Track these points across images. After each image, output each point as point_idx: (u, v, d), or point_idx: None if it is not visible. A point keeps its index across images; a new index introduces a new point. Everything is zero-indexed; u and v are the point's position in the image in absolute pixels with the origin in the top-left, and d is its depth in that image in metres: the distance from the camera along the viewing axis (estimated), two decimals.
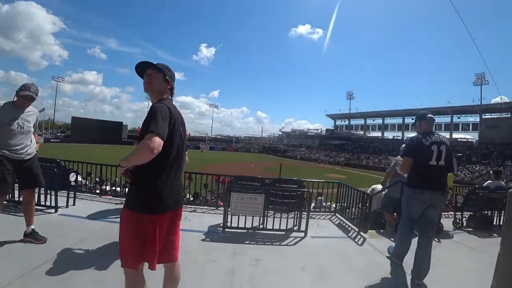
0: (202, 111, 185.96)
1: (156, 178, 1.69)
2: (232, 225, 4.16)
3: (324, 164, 61.97)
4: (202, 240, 3.76)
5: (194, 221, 4.56)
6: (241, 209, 3.99)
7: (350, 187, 5.53)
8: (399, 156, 3.65)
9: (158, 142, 1.51)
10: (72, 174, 4.69)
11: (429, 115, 3.32)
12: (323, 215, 5.74)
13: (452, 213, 5.89)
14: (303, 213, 4.37)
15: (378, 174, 47.31)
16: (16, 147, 3.08)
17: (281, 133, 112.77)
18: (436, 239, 4.50)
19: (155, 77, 1.85)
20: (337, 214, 5.75)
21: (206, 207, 5.59)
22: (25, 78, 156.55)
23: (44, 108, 74.60)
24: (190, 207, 5.40)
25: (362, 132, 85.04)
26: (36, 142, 3.42)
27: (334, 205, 10.35)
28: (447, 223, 5.37)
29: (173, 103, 1.88)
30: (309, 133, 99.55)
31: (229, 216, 4.16)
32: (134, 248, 1.67)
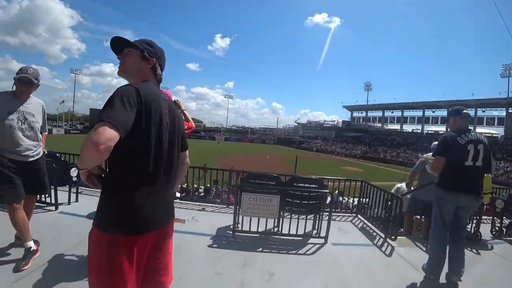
0: (217, 102, 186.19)
1: (133, 186, 1.25)
2: (243, 228, 3.74)
3: (340, 157, 60.83)
4: (209, 246, 3.36)
5: (202, 222, 4.17)
6: (253, 211, 3.55)
7: (374, 187, 5.00)
8: (428, 154, 3.36)
9: (107, 135, 1.04)
10: (73, 169, 4.38)
11: (464, 111, 3.02)
12: (343, 216, 5.24)
13: (488, 218, 5.27)
14: (323, 216, 3.91)
15: (396, 168, 46.14)
16: (17, 147, 2.56)
17: (296, 124, 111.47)
18: (474, 251, 3.96)
19: (129, 56, 1.42)
20: (359, 216, 5.25)
21: (216, 205, 5.20)
22: (46, 71, 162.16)
23: (64, 100, 77.70)
24: (199, 205, 5.03)
25: (380, 125, 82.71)
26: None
27: (351, 200, 9.87)
28: (484, 230, 4.77)
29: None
30: (325, 125, 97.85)
31: (240, 217, 3.75)
32: (106, 281, 1.23)
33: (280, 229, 3.79)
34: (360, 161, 55.30)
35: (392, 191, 5.52)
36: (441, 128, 66.64)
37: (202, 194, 6.66)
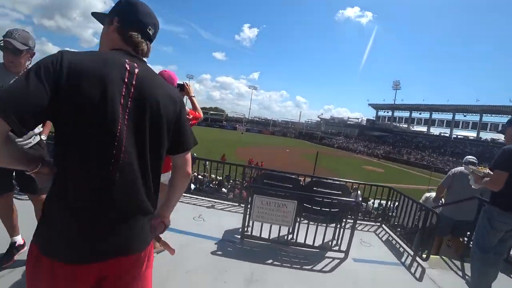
0: (241, 92, 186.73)
1: (57, 194, 0.87)
2: (253, 233, 3.32)
3: (361, 155, 59.22)
4: (213, 252, 2.95)
5: (209, 221, 3.79)
6: (265, 216, 3.12)
7: (405, 196, 4.43)
8: (473, 166, 2.92)
9: None
10: None
11: None
12: (366, 225, 4.71)
13: None
14: (345, 226, 3.42)
15: (420, 171, 44.33)
16: None
17: (319, 119, 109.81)
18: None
19: (102, 31, 1.08)
20: (384, 226, 4.71)
21: (227, 202, 4.80)
22: None
23: None
24: (209, 201, 4.65)
25: (406, 126, 79.64)
26: (43, 126, 2.32)
27: (372, 203, 9.25)
28: None
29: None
30: (348, 122, 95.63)
31: (251, 221, 3.32)
32: None
33: (295, 238, 3.34)
34: (381, 161, 53.61)
35: (421, 200, 4.95)
36: (472, 134, 63.45)
37: (215, 187, 6.29)
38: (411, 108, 76.71)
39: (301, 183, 3.77)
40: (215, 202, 4.66)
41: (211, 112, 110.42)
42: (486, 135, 61.82)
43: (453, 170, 4.40)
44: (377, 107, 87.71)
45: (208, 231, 3.44)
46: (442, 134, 69.65)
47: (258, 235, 3.28)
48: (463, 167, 4.12)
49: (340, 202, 3.33)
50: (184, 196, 4.63)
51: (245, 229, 3.31)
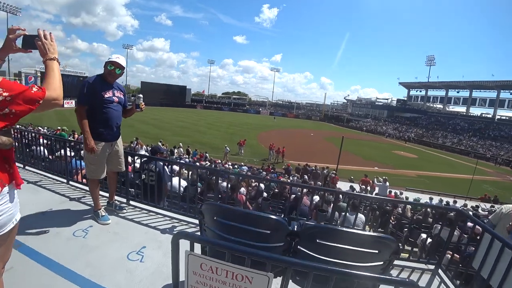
0: (264, 76, 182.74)
1: None
2: None
3: (390, 139, 55.95)
4: None
5: (154, 261, 2.55)
6: None
7: (481, 223, 2.79)
8: None
9: None
10: None
11: None
12: (410, 267, 3.13)
13: None
14: None
15: (457, 157, 40.98)
16: None
17: (345, 101, 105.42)
18: None
19: None
20: (440, 272, 3.03)
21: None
22: (106, 48, 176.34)
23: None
24: (177, 220, 3.43)
25: (441, 106, 73.64)
26: None
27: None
28: None
29: None
30: (376, 103, 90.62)
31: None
32: None
33: None
34: (412, 144, 50.24)
35: (492, 217, 3.41)
36: None
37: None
38: (447, 85, 70.52)
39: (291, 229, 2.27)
40: (185, 221, 3.42)
41: (234, 96, 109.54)
42: None
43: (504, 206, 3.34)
44: (408, 85, 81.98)
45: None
46: (484, 115, 63.77)
47: None
48: None
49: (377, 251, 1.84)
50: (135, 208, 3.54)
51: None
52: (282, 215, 4.90)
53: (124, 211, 3.50)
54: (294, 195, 5.74)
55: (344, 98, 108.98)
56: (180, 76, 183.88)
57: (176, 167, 5.85)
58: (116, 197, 3.64)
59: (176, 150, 18.12)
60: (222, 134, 34.97)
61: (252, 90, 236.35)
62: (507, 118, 59.09)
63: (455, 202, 13.31)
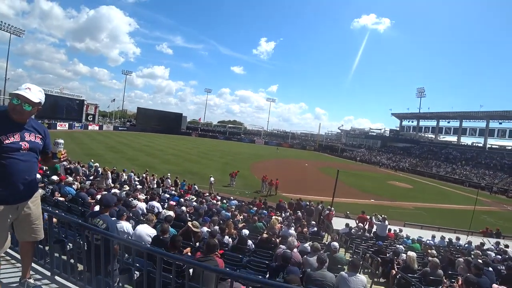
0: (260, 105, 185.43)
1: None
2: None
3: (384, 169, 55.60)
4: None
5: None
6: None
7: None
8: None
9: None
10: None
11: None
12: None
13: None
14: None
15: (453, 187, 40.51)
16: None
17: (339, 131, 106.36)
18: None
19: None
20: None
21: None
22: (106, 73, 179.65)
23: (114, 99, 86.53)
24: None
25: (433, 136, 74.41)
26: None
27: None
28: None
29: None
30: (370, 133, 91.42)
31: None
32: None
33: None
34: (409, 175, 49.85)
35: None
36: (509, 143, 57.97)
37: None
38: (438, 116, 71.56)
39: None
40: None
41: (229, 125, 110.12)
42: None
43: None
44: (401, 116, 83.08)
45: None
46: (475, 144, 64.28)
47: None
48: None
49: None
50: None
51: None
52: (267, 275, 4.12)
53: None
54: (283, 248, 4.96)
55: (338, 128, 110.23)
56: (177, 103, 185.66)
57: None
58: (34, 268, 2.80)
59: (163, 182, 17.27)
60: (215, 163, 34.11)
61: (248, 119, 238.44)
62: (498, 146, 59.82)
63: (458, 239, 12.52)
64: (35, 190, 2.45)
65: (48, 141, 2.47)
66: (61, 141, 2.51)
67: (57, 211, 5.18)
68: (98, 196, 5.92)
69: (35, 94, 2.23)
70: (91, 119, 67.86)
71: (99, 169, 16.10)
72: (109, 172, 14.74)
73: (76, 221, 2.84)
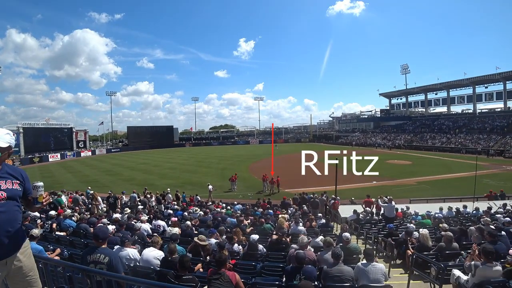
0: (249, 106, 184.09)
1: None
2: None
3: (381, 149, 55.81)
4: None
5: None
6: None
7: None
8: None
9: None
10: None
11: None
12: None
13: None
14: None
15: (451, 156, 40.76)
16: None
17: (331, 119, 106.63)
18: None
19: None
20: None
21: None
22: (90, 97, 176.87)
23: (102, 122, 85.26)
24: None
25: (423, 109, 75.11)
26: None
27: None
28: None
29: None
30: (361, 116, 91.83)
31: None
32: None
33: None
34: (405, 151, 50.11)
35: None
36: (498, 105, 58.72)
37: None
38: (425, 89, 72.11)
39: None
40: None
41: (222, 130, 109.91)
42: None
43: None
44: (389, 95, 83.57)
45: None
46: (465, 111, 64.97)
47: None
48: None
49: None
50: None
51: None
52: (284, 279, 4.00)
53: None
54: (295, 248, 4.84)
55: (330, 116, 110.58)
56: (166, 116, 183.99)
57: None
58: None
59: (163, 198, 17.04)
60: (213, 170, 33.91)
61: (239, 121, 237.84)
62: (487, 110, 60.58)
63: (465, 207, 12.54)
64: (22, 240, 2.23)
65: (28, 185, 2.26)
66: (41, 183, 2.29)
67: (58, 248, 5.03)
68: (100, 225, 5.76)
69: (2, 138, 2.02)
70: (82, 145, 67.26)
71: (90, 196, 15.83)
72: (97, 196, 14.51)
73: (79, 266, 2.66)
